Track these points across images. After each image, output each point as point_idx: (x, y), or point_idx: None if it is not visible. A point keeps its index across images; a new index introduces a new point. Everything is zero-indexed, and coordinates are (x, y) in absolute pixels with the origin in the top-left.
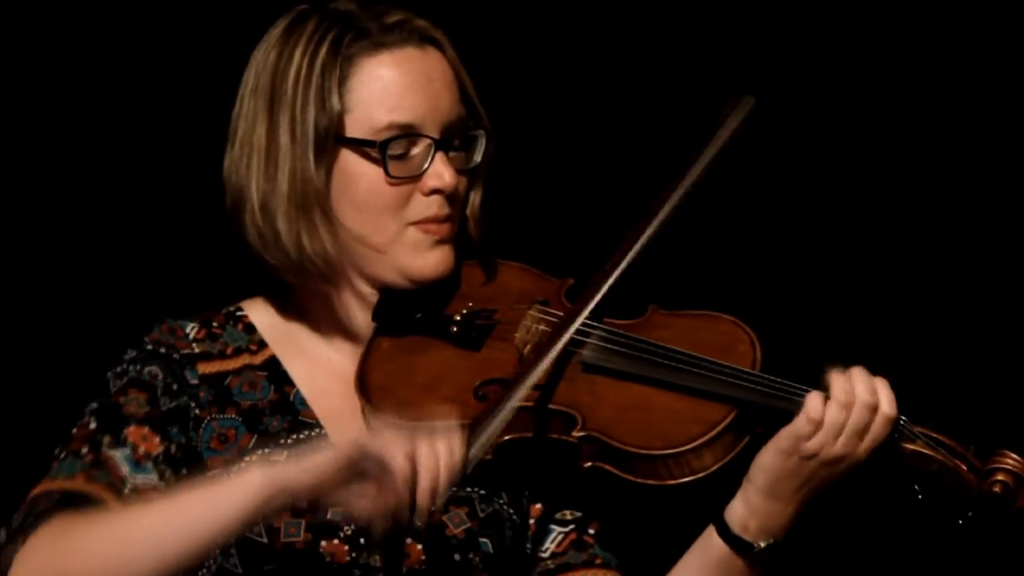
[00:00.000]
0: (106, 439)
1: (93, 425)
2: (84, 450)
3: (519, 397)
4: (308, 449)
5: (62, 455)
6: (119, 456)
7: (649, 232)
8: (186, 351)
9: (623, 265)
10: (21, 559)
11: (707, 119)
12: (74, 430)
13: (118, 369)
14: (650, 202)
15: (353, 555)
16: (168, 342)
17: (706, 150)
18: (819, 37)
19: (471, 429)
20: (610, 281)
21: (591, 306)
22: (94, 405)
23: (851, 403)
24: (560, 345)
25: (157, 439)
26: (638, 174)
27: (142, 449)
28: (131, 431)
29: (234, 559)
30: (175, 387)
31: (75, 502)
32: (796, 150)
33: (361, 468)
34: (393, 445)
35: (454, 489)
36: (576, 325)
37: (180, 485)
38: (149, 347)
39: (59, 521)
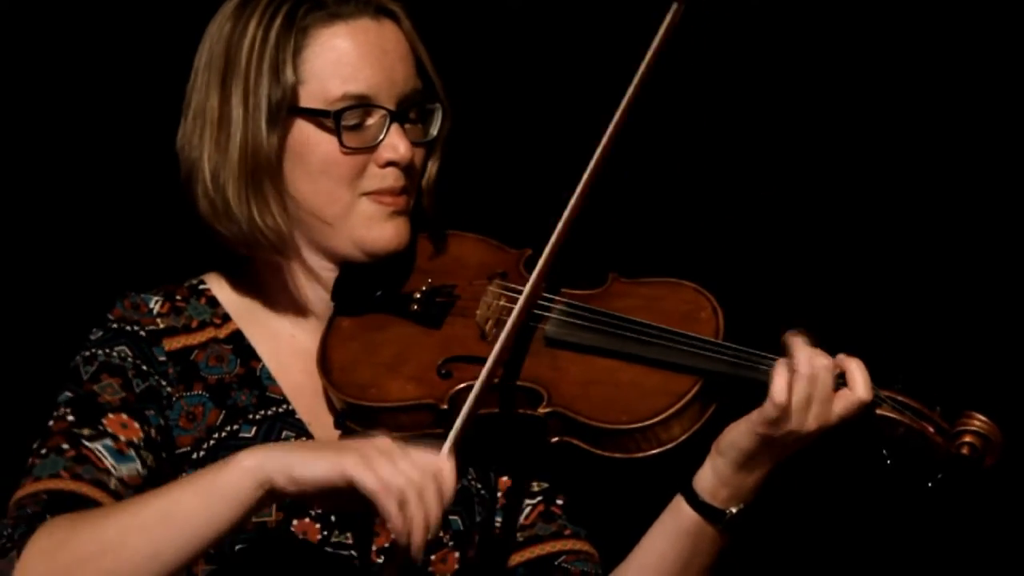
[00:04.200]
0: (85, 431)
1: (71, 418)
2: (65, 445)
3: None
4: (300, 450)
5: (42, 451)
6: (101, 448)
7: (589, 183)
8: (151, 327)
9: (566, 218)
10: (23, 568)
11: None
12: (51, 423)
13: (86, 353)
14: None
15: (324, 533)
16: (132, 319)
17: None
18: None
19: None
20: (559, 234)
21: (546, 267)
22: (68, 395)
23: (815, 376)
24: (518, 322)
25: (136, 425)
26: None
27: (123, 438)
28: (109, 420)
29: None
30: (144, 367)
31: (63, 503)
32: (754, 117)
33: (350, 494)
34: (385, 489)
35: None
36: (530, 293)
37: (169, 480)
38: (114, 325)
39: (52, 528)
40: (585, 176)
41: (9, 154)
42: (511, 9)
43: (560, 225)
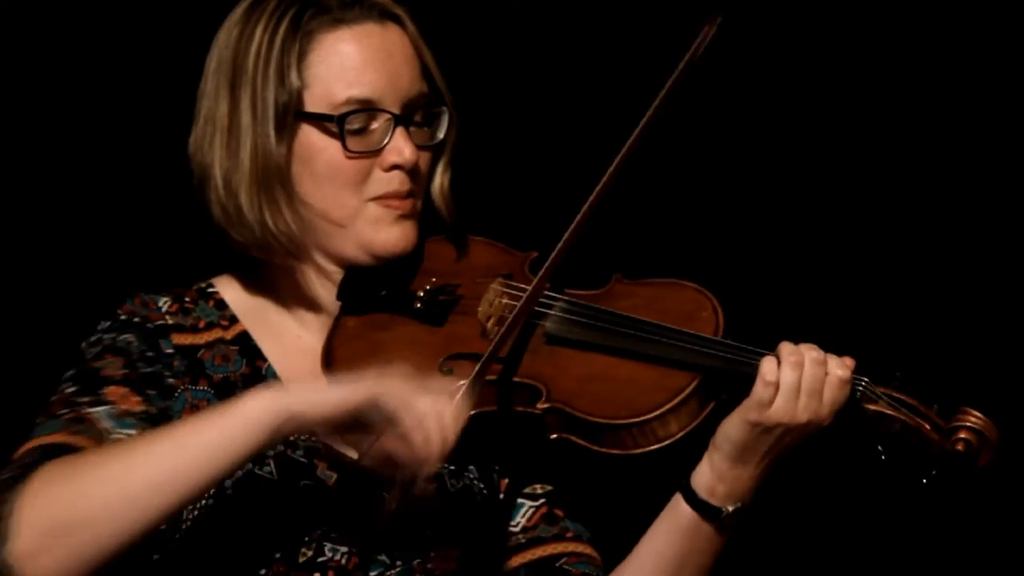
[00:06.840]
0: (85, 400)
1: (71, 389)
2: (63, 411)
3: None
4: (316, 383)
5: (39, 420)
6: (100, 412)
7: (603, 190)
8: (160, 322)
9: (581, 221)
10: (22, 506)
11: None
12: (52, 397)
13: (92, 339)
14: (604, 163)
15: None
16: (142, 313)
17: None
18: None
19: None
20: (567, 238)
21: (551, 268)
22: (71, 372)
23: (800, 361)
24: (520, 318)
25: (137, 398)
26: (606, 147)
27: (123, 406)
28: (110, 391)
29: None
30: (150, 354)
31: (60, 453)
32: (757, 121)
33: (367, 417)
34: (404, 406)
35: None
36: (533, 291)
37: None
38: (123, 318)
39: (54, 466)
40: (600, 185)
41: (18, 157)
42: (513, 9)
43: (571, 229)
